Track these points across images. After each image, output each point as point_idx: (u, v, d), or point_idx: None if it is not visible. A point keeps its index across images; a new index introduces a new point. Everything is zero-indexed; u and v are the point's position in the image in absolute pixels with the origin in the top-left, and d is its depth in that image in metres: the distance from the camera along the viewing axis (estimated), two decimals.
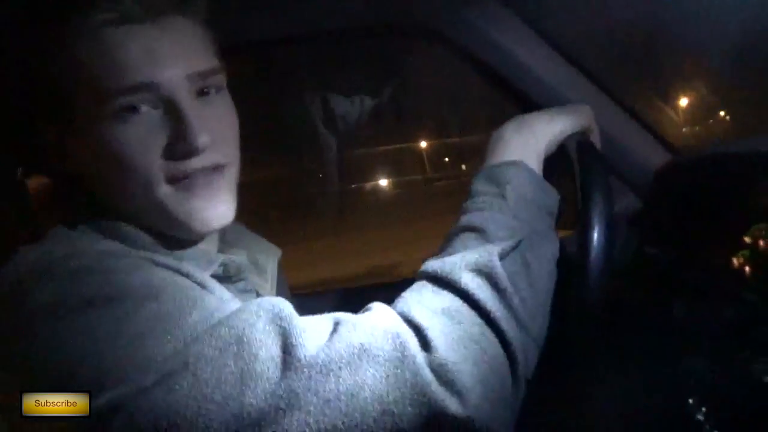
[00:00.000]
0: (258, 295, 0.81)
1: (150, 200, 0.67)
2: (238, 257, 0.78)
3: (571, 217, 0.83)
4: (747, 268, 0.81)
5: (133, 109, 0.64)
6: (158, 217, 0.68)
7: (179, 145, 0.65)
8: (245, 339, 0.54)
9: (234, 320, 0.56)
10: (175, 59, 0.65)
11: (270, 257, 0.89)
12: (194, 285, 0.62)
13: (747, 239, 0.85)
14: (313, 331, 0.57)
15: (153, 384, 0.52)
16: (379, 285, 1.37)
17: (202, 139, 0.65)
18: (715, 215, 0.94)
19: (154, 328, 0.55)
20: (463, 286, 0.62)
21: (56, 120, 0.68)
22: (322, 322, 0.59)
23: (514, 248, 0.66)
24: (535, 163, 0.77)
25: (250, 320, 0.56)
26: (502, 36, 1.10)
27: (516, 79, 1.12)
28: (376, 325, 0.58)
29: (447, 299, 0.62)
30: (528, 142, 0.78)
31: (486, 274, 0.63)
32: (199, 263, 0.70)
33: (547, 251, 0.72)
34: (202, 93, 0.68)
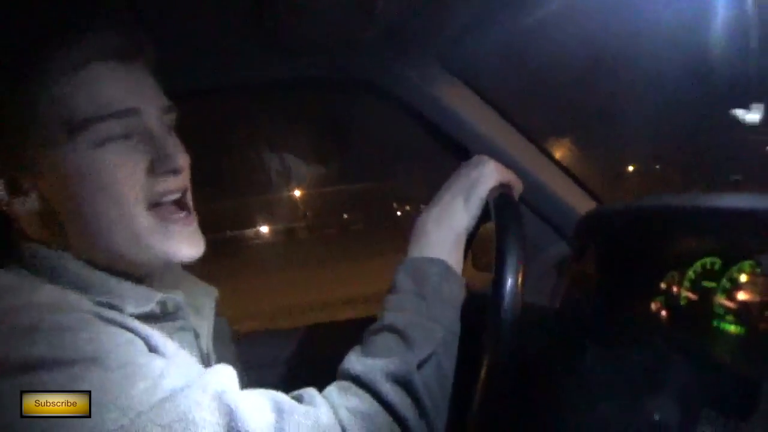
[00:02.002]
0: (196, 334, 0.82)
1: (127, 227, 0.69)
2: (176, 296, 0.78)
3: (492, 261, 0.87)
4: (663, 313, 0.86)
5: (113, 136, 0.67)
6: (134, 246, 0.70)
7: (160, 163, 0.70)
8: (190, 418, 0.56)
9: (180, 397, 0.57)
10: (152, 92, 0.73)
11: (207, 297, 0.90)
12: (139, 346, 0.62)
13: (663, 285, 0.91)
14: (257, 418, 0.60)
15: None
16: (320, 325, 1.37)
17: (180, 159, 0.72)
18: (634, 263, 1.00)
19: (99, 397, 0.55)
20: (384, 396, 0.69)
21: (23, 158, 0.68)
22: (264, 405, 0.62)
23: (430, 355, 0.74)
24: (455, 255, 0.84)
25: (196, 398, 0.57)
26: (435, 89, 1.16)
27: (449, 129, 1.18)
28: (318, 424, 0.63)
29: (368, 404, 0.68)
30: (447, 236, 0.85)
31: (404, 384, 0.70)
32: (138, 301, 0.70)
33: (457, 349, 0.79)
34: (168, 126, 0.75)
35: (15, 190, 0.69)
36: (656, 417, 0.76)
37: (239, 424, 0.57)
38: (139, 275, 0.74)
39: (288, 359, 1.28)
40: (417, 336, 0.74)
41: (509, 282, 0.72)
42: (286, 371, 1.26)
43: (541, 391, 0.90)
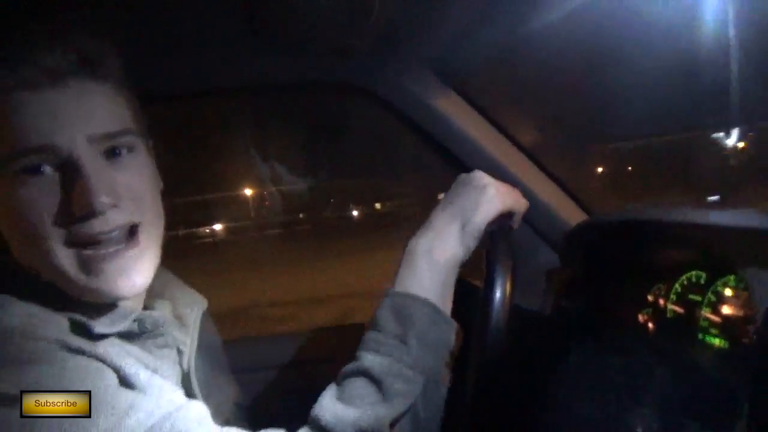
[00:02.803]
0: (179, 351, 0.79)
1: (54, 266, 0.64)
2: (156, 312, 0.76)
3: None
4: (650, 325, 0.87)
5: (34, 170, 0.63)
6: (64, 283, 0.66)
7: (77, 206, 0.63)
8: None
9: None
10: (76, 121, 0.64)
11: (195, 309, 0.87)
12: (107, 379, 0.61)
13: (650, 297, 0.92)
14: None
15: None
16: (305, 331, 1.37)
17: (101, 199, 0.63)
18: (623, 274, 1.01)
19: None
20: None
21: None
22: None
23: (408, 409, 0.70)
24: (444, 292, 0.78)
25: None
26: (427, 97, 1.17)
27: (440, 137, 1.18)
28: None
29: None
30: (438, 271, 0.78)
31: None
32: (113, 320, 0.68)
33: (439, 396, 0.75)
34: (111, 154, 0.67)
35: None
36: (639, 430, 0.76)
37: None
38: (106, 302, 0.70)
39: (276, 364, 1.27)
40: (395, 388, 0.70)
41: (493, 332, 0.71)
42: (273, 376, 1.26)
43: (526, 392, 0.90)
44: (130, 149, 0.69)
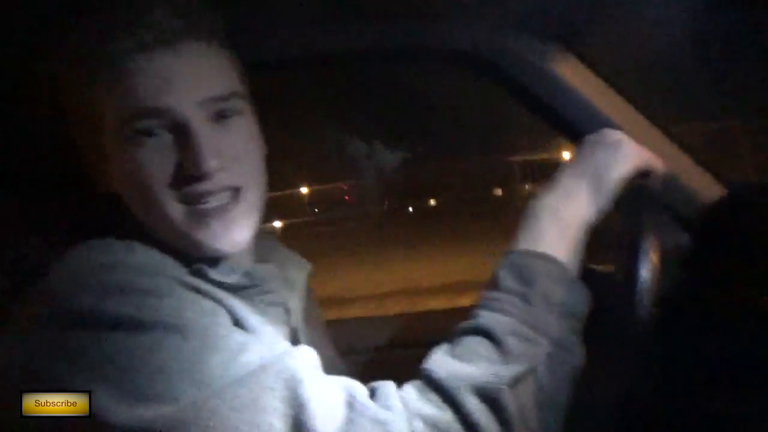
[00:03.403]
0: (286, 309, 0.81)
1: (166, 222, 0.69)
2: (265, 267, 0.78)
3: (610, 252, 0.79)
4: None
5: (149, 132, 0.67)
6: (175, 237, 0.70)
7: (188, 168, 0.67)
8: (260, 404, 0.55)
9: (254, 381, 0.56)
10: (188, 85, 0.67)
11: (300, 272, 0.89)
12: (221, 318, 0.63)
13: None
14: (328, 410, 0.56)
15: (164, 425, 0.53)
16: (402, 315, 1.35)
17: (211, 163, 0.67)
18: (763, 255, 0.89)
19: (175, 366, 0.56)
20: (466, 411, 0.59)
21: (91, 144, 0.72)
22: (337, 401, 0.58)
23: (529, 372, 0.63)
24: (571, 254, 0.71)
25: (270, 383, 0.56)
26: (543, 61, 1.08)
27: (560, 107, 1.09)
28: (390, 429, 0.57)
29: (446, 418, 0.59)
30: (566, 229, 0.71)
31: (492, 401, 0.60)
32: (222, 271, 0.71)
33: (567, 366, 0.66)
34: (219, 117, 0.70)
35: (97, 174, 0.74)
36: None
37: (307, 419, 0.55)
38: (211, 257, 0.74)
39: (368, 348, 1.25)
40: (514, 347, 0.63)
41: (646, 301, 0.64)
42: (365, 360, 1.23)
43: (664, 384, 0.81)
44: (238, 112, 0.72)
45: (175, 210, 0.69)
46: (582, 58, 1.11)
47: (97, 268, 0.63)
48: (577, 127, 1.07)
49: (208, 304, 0.63)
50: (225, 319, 0.63)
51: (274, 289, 0.78)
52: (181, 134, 0.67)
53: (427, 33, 1.10)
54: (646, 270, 0.68)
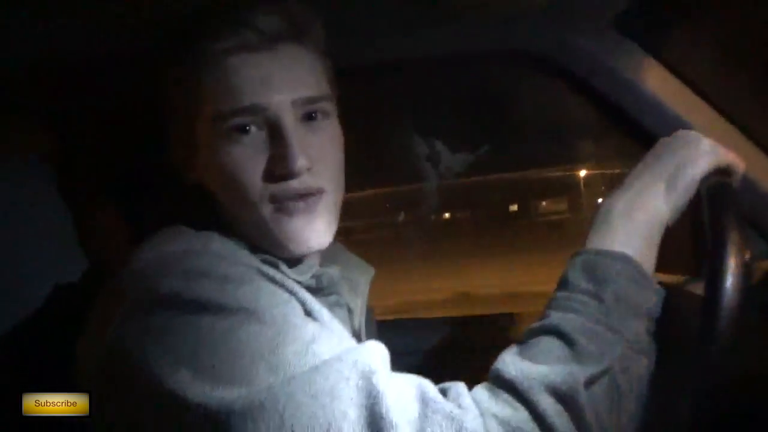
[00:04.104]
0: (349, 310, 0.84)
1: (253, 217, 0.72)
2: (332, 270, 0.80)
3: (689, 262, 0.74)
4: None
5: (243, 129, 0.70)
6: (259, 233, 0.73)
7: (279, 166, 0.69)
8: (336, 393, 0.54)
9: (329, 369, 0.56)
10: (284, 85, 0.70)
11: (363, 275, 0.90)
12: (296, 308, 0.64)
13: None
14: (402, 404, 0.55)
15: (240, 407, 0.53)
16: (458, 318, 1.32)
17: (300, 163, 0.69)
18: None
19: (252, 350, 0.57)
20: (541, 411, 0.56)
21: (186, 138, 0.75)
22: (410, 396, 0.57)
23: (604, 372, 0.60)
24: (646, 254, 0.68)
25: (345, 373, 0.55)
26: (614, 60, 1.04)
27: (634, 110, 1.04)
28: (462, 429, 0.55)
29: (521, 417, 0.57)
30: (640, 228, 0.68)
31: (568, 401, 0.57)
32: (293, 271, 0.73)
33: (642, 368, 0.63)
34: (308, 118, 0.72)
35: (188, 165, 0.77)
36: None
37: (382, 410, 0.53)
38: (291, 257, 0.76)
39: (430, 350, 1.23)
40: (588, 346, 0.61)
41: (730, 304, 0.58)
42: (426, 363, 1.21)
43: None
44: (325, 114, 0.75)
45: (264, 207, 0.71)
46: (658, 56, 1.05)
47: (180, 254, 0.66)
48: (651, 129, 1.02)
49: (283, 294, 0.65)
50: (299, 310, 0.64)
51: (339, 291, 0.81)
52: (274, 132, 0.70)
53: (493, 36, 1.08)
54: (731, 282, 0.62)
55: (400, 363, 0.80)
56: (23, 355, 0.79)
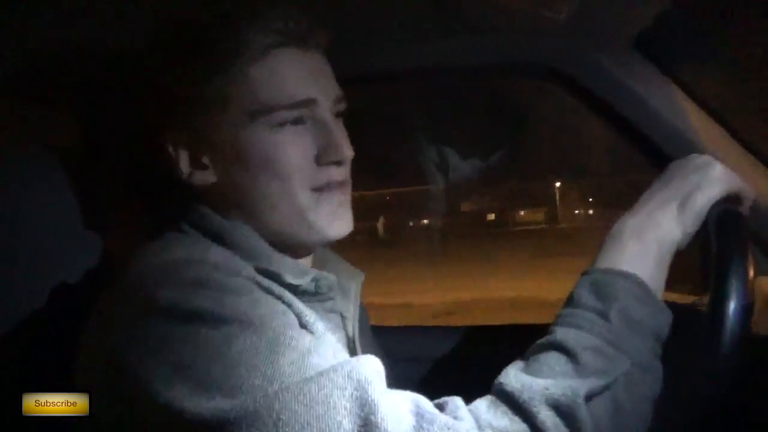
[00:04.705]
0: (342, 317, 0.84)
1: (293, 206, 0.74)
2: (330, 275, 0.80)
3: (693, 282, 0.75)
4: None
5: (297, 121, 0.73)
6: (294, 222, 0.75)
7: (330, 154, 0.74)
8: (331, 403, 0.55)
9: (325, 379, 0.56)
10: (328, 82, 0.77)
11: (354, 281, 0.90)
12: (292, 320, 0.65)
13: None
14: (397, 416, 0.56)
15: (234, 416, 0.54)
16: (456, 328, 1.30)
17: (348, 152, 0.75)
18: None
19: (248, 361, 0.57)
20: (539, 423, 0.57)
21: (205, 134, 0.75)
22: (405, 408, 0.58)
23: (606, 388, 0.60)
24: (655, 275, 0.69)
25: (340, 383, 0.56)
26: (631, 79, 1.04)
27: (646, 127, 1.05)
28: None
29: (519, 429, 0.57)
30: (649, 249, 0.69)
31: (567, 415, 0.57)
32: (295, 274, 0.74)
33: (645, 387, 0.63)
34: (337, 115, 0.78)
35: (196, 164, 0.76)
36: None
37: (377, 420, 0.54)
38: (296, 252, 0.79)
39: (430, 359, 1.22)
40: (590, 361, 0.61)
41: (734, 328, 0.60)
42: (425, 370, 1.20)
43: None
44: (343, 114, 0.80)
45: (306, 195, 0.74)
46: (681, 82, 1.06)
47: (179, 262, 0.66)
48: (665, 149, 1.03)
49: (279, 305, 0.66)
50: (294, 322, 0.65)
51: (334, 296, 0.81)
52: (320, 125, 0.74)
53: (511, 49, 1.09)
54: (736, 303, 0.63)
55: (395, 369, 0.82)
56: (23, 355, 0.79)
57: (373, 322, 1.03)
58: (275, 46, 0.72)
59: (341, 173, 0.76)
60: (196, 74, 0.73)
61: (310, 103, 0.73)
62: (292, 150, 0.73)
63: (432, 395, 0.62)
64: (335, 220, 0.77)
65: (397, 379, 0.64)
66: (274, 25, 0.72)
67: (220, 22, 0.73)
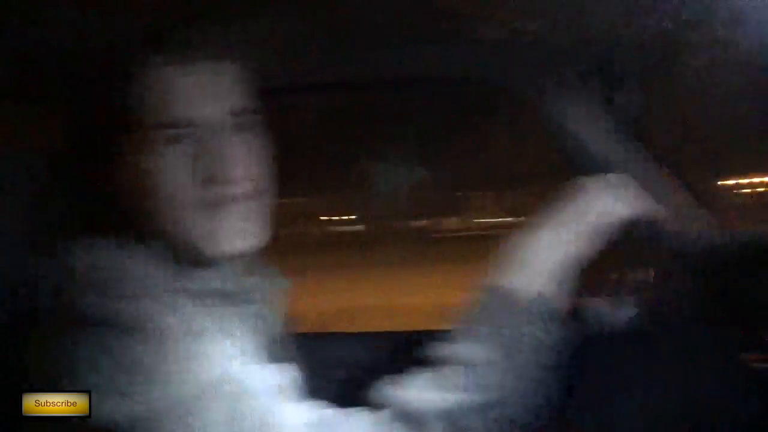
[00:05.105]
0: (264, 323, 0.85)
1: (185, 222, 0.71)
2: (250, 280, 0.82)
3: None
4: None
5: (179, 138, 0.70)
6: (188, 238, 0.72)
7: (214, 171, 0.70)
8: (223, 411, 0.59)
9: (241, 383, 0.62)
10: (219, 96, 0.72)
11: (277, 287, 0.91)
12: (200, 326, 0.66)
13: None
14: (292, 427, 0.62)
15: (123, 423, 0.57)
16: (384, 333, 1.38)
17: (235, 170, 0.71)
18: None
19: (169, 366, 0.60)
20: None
21: (125, 146, 0.73)
22: (301, 415, 0.64)
23: (496, 403, 0.68)
24: (552, 289, 0.74)
25: (255, 386, 0.63)
26: (578, 101, 1.12)
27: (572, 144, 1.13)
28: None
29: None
30: (550, 265, 0.74)
31: (459, 428, 0.65)
32: (215, 277, 0.75)
33: (533, 397, 0.71)
34: (238, 129, 0.73)
35: (114, 174, 0.75)
36: None
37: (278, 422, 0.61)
38: (200, 264, 0.76)
39: (342, 365, 1.27)
40: (483, 376, 0.67)
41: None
42: (338, 377, 1.24)
43: None
44: (252, 127, 0.76)
45: (197, 213, 0.71)
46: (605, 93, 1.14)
47: (84, 267, 0.67)
48: (582, 163, 1.11)
49: (189, 310, 0.67)
50: (204, 327, 0.66)
51: (255, 301, 0.81)
52: (205, 144, 0.70)
53: (437, 60, 1.16)
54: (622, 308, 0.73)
55: (316, 377, 0.86)
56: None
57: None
58: (162, 65, 0.70)
59: (233, 191, 0.71)
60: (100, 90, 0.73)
61: (188, 122, 0.70)
62: (172, 170, 0.70)
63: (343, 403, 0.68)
64: (225, 237, 0.72)
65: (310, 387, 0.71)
66: (166, 41, 0.70)
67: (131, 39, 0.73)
